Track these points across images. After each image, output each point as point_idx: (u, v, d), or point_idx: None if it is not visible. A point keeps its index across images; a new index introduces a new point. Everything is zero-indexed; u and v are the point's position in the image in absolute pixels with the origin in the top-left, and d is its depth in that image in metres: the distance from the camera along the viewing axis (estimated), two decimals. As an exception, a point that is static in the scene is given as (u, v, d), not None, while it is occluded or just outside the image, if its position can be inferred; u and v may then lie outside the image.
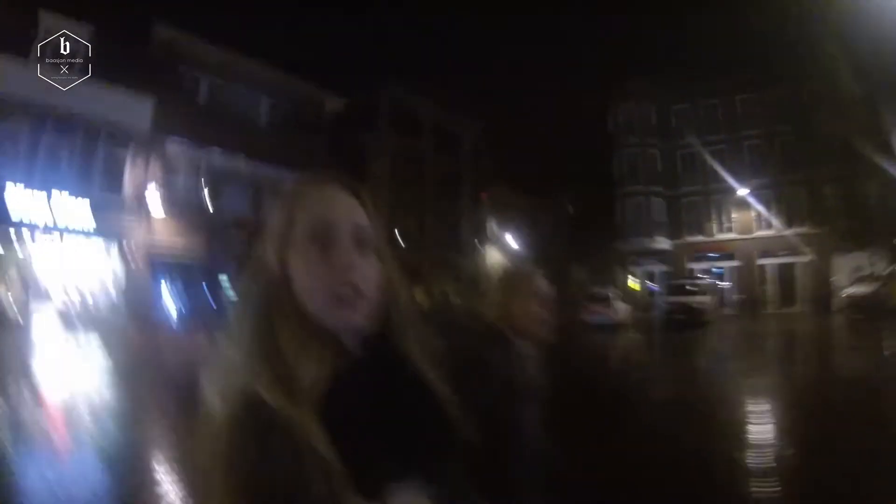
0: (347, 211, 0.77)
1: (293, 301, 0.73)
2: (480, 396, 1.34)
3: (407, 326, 0.81)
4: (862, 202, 23.58)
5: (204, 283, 19.24)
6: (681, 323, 19.17)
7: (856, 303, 19.44)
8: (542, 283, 1.84)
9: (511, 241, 34.33)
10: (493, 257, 32.09)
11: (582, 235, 34.50)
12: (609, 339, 17.66)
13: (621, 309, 21.76)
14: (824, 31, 23.31)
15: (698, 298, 20.85)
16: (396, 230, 24.27)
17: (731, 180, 28.77)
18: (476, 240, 31.43)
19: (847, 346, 14.94)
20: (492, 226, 33.40)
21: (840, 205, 24.83)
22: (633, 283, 31.44)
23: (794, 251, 27.60)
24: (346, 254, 0.74)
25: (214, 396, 0.68)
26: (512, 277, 1.87)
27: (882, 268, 21.40)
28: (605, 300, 21.37)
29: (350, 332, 0.74)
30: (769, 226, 28.86)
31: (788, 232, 27.94)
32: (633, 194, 32.21)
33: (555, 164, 42.20)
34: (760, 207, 28.80)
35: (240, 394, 0.64)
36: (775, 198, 28.67)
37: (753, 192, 28.37)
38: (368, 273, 0.76)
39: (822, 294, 25.20)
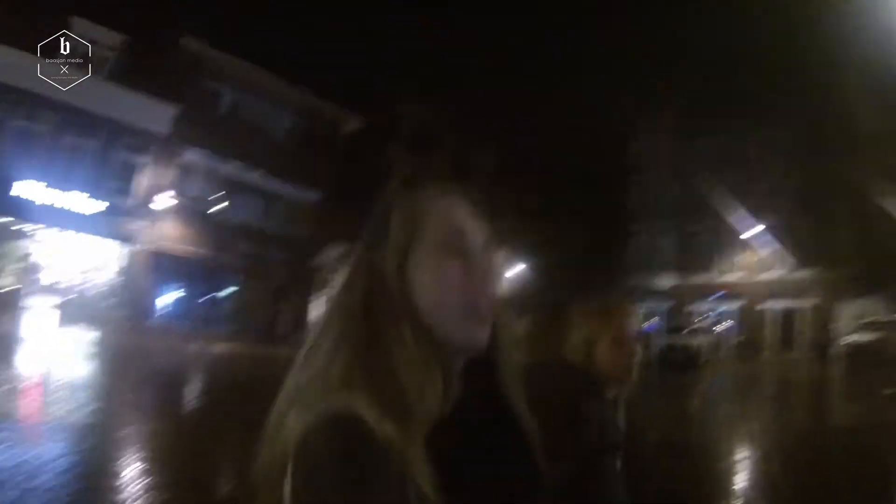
0: (477, 222, 0.73)
1: (414, 315, 0.66)
2: (572, 449, 1.31)
3: (512, 353, 0.76)
4: (874, 246, 23.32)
5: (208, 288, 19.58)
6: (677, 363, 19.10)
7: (859, 350, 19.26)
8: (631, 320, 1.62)
9: (517, 270, 34.49)
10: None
11: (590, 269, 34.48)
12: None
13: None
14: (843, 72, 23.68)
15: (696, 340, 20.81)
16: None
17: (742, 219, 28.73)
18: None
19: (845, 393, 14.95)
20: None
21: (851, 249, 24.63)
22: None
23: (799, 295, 27.48)
24: (484, 265, 0.70)
25: (295, 420, 0.58)
26: (599, 314, 1.62)
27: (888, 314, 21.32)
28: None
29: (473, 351, 0.68)
30: (777, 268, 28.76)
31: (796, 275, 27.85)
32: (643, 230, 32.39)
33: (569, 193, 42.45)
34: (770, 249, 28.75)
35: (335, 419, 0.55)
36: (786, 239, 28.46)
37: (765, 233, 28.18)
38: (495, 289, 0.71)
39: (824, 340, 24.98)
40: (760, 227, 28.17)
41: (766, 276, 28.98)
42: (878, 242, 23.03)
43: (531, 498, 0.71)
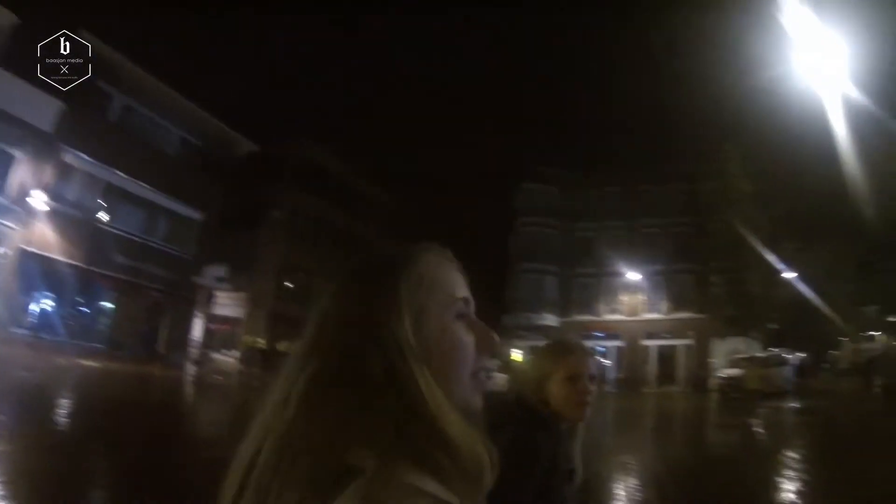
0: (466, 286, 0.74)
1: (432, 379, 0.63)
2: (524, 475, 1.40)
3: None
4: (744, 292, 25.43)
5: (81, 300, 18.37)
6: None
7: (728, 384, 21.09)
8: (586, 360, 1.65)
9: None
10: None
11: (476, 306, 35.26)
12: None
13: (499, 380, 22.30)
14: (721, 132, 26.63)
15: None
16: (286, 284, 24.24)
17: (623, 265, 30.57)
18: None
19: (717, 423, 16.22)
20: None
21: (724, 294, 26.62)
22: (516, 356, 32.01)
23: (676, 334, 29.72)
24: (489, 332, 0.71)
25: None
26: (551, 353, 1.68)
27: (756, 351, 23.47)
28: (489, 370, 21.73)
29: (473, 415, 0.67)
30: (656, 309, 30.88)
31: (673, 316, 30.11)
32: (527, 271, 33.52)
33: (456, 235, 43.90)
34: (649, 292, 30.84)
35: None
36: (664, 284, 30.80)
37: (645, 278, 30.32)
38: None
39: (700, 375, 27.01)
40: (643, 272, 30.18)
41: (647, 317, 30.99)
42: (746, 288, 25.44)
43: None
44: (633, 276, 30.23)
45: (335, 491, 0.52)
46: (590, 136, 61.00)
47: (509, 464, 0.73)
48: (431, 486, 0.53)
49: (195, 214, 21.62)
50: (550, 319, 32.75)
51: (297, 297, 25.56)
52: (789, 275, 27.52)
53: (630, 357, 30.69)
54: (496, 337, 0.71)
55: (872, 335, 30.68)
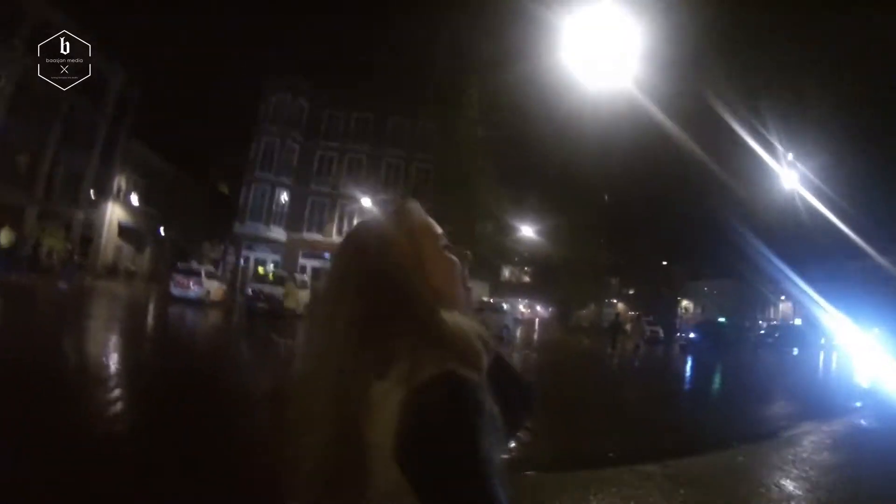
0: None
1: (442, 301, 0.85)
2: None
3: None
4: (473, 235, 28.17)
5: None
6: (261, 311, 19.77)
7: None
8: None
9: (135, 200, 32.07)
10: (115, 213, 29.62)
11: (212, 212, 34.08)
12: (184, 313, 17.48)
13: (212, 287, 21.89)
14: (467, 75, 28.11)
15: (278, 289, 20.81)
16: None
17: (359, 190, 31.46)
18: (97, 193, 28.46)
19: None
20: (120, 181, 30.67)
21: (455, 234, 29.55)
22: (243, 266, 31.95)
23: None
24: (460, 256, 0.92)
25: (391, 388, 0.74)
26: None
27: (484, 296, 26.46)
28: (194, 276, 21.20)
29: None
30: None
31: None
32: (260, 181, 32.73)
33: (202, 138, 41.56)
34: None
35: (449, 380, 0.73)
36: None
37: (377, 206, 30.38)
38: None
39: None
40: (375, 202, 31.03)
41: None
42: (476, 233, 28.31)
43: (523, 420, 1.00)
44: (366, 201, 30.95)
45: (382, 369, 0.76)
46: (349, 56, 59.57)
47: None
48: (452, 362, 0.74)
49: None
50: (278, 233, 32.74)
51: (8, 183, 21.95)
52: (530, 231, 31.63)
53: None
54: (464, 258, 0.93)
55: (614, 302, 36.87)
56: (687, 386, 14.00)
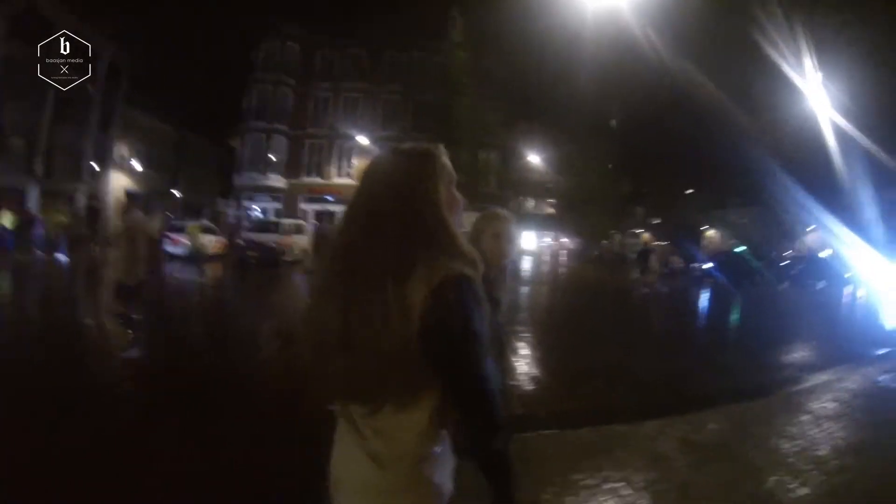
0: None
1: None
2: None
3: None
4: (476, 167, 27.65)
5: None
6: (254, 260, 19.10)
7: None
8: (505, 222, 2.46)
9: (139, 166, 31.37)
10: (119, 181, 29.02)
11: (209, 165, 33.24)
12: (177, 269, 16.96)
13: (207, 241, 20.83)
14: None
15: (274, 238, 20.30)
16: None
17: (356, 129, 30.34)
18: (99, 164, 27.81)
19: None
20: (121, 149, 29.99)
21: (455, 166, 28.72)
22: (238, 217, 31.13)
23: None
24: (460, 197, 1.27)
25: (417, 282, 1.06)
26: (483, 218, 2.49)
27: None
28: (183, 231, 20.07)
29: None
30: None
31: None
32: (256, 130, 31.93)
33: (192, 91, 40.44)
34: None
35: (460, 277, 1.09)
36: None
37: (375, 143, 29.82)
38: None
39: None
40: (371, 139, 30.03)
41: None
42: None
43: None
44: (363, 139, 29.87)
45: (408, 273, 1.07)
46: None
47: None
48: (461, 267, 1.10)
49: None
50: (277, 180, 32.09)
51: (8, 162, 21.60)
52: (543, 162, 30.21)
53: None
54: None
55: (638, 232, 35.58)
56: (689, 326, 12.42)
